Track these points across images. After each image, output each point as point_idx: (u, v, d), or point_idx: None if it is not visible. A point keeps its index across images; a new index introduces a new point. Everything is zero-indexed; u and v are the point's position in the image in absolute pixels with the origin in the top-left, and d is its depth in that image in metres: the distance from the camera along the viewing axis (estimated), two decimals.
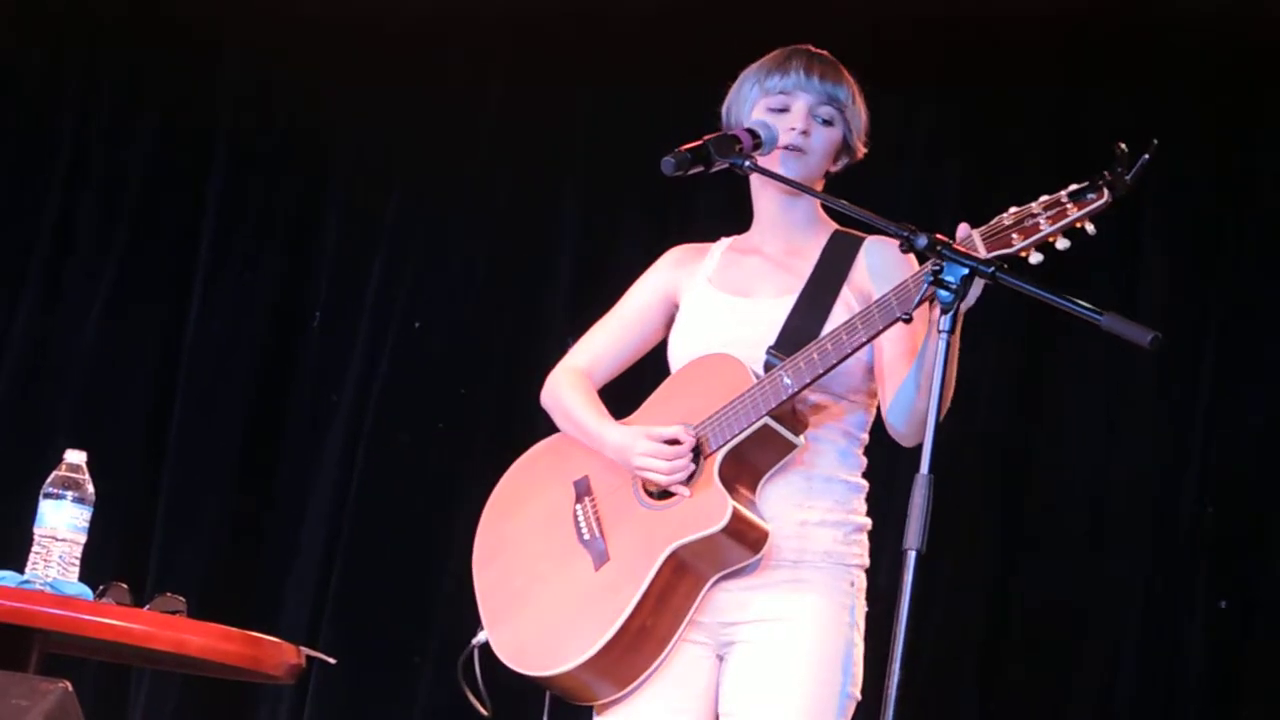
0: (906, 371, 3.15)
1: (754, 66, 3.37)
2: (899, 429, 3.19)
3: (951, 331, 2.89)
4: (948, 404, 3.06)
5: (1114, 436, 5.06)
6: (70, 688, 3.08)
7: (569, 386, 3.41)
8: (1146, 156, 2.82)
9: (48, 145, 5.97)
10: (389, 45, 5.75)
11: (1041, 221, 2.89)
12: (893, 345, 3.19)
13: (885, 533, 4.88)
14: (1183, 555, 4.94)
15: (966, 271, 2.85)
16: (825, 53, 3.36)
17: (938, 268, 2.87)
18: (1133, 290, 5.06)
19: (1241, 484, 4.96)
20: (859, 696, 3.22)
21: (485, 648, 3.31)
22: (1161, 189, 5.00)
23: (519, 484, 3.43)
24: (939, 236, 2.91)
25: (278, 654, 3.43)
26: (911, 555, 2.77)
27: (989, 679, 5.04)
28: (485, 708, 3.34)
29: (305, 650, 3.54)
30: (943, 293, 2.85)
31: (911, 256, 3.12)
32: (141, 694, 5.58)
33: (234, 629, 3.36)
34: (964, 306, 2.91)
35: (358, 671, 5.30)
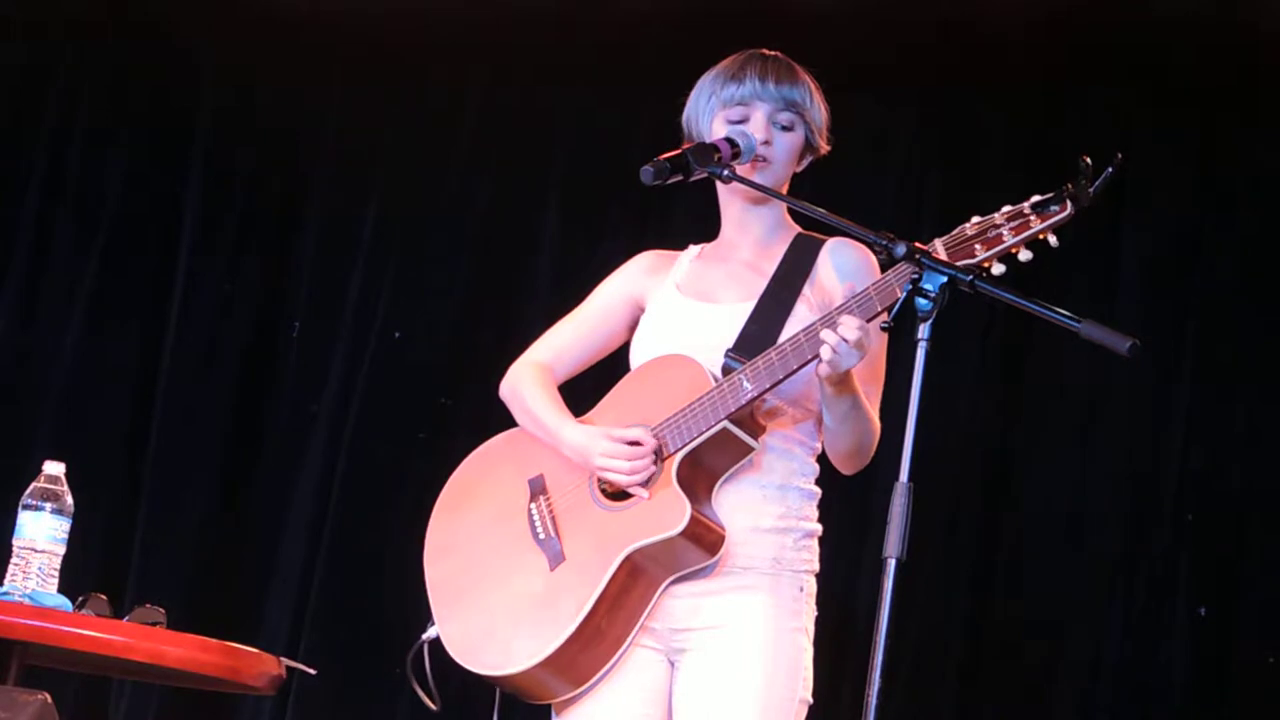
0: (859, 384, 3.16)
1: (709, 76, 3.36)
2: (830, 426, 3.19)
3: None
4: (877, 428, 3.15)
5: (1093, 443, 5.07)
6: (50, 699, 3.08)
7: (530, 381, 3.42)
8: (1110, 170, 2.83)
9: (25, 153, 5.96)
10: (368, 53, 5.75)
11: (1004, 232, 2.90)
12: None
13: (867, 541, 4.94)
14: (1163, 562, 4.95)
15: (945, 280, 2.86)
16: (779, 54, 3.35)
17: (916, 276, 2.87)
18: (1111, 295, 5.07)
19: (1221, 490, 4.97)
20: (810, 700, 3.23)
21: (435, 643, 3.31)
22: (1140, 192, 5.02)
23: (473, 478, 3.43)
24: (917, 245, 2.91)
25: (257, 665, 3.43)
26: (891, 563, 2.77)
27: (968, 687, 5.04)
28: (434, 703, 3.34)
29: (285, 661, 3.54)
30: (921, 301, 2.86)
31: (873, 256, 3.14)
32: (122, 705, 5.57)
33: (213, 640, 3.35)
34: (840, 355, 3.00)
35: (338, 682, 5.29)
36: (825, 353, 3.01)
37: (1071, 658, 4.98)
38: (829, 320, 3.05)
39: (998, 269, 2.91)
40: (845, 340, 2.99)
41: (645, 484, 3.19)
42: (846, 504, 4.84)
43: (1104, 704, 4.92)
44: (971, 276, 2.86)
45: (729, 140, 3.24)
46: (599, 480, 3.25)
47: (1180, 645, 4.89)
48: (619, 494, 3.23)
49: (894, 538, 2.77)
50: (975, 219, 2.94)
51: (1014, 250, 2.90)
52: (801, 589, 3.25)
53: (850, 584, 4.97)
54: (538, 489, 3.32)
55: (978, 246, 2.92)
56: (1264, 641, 4.88)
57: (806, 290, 3.27)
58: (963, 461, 5.10)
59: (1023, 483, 5.13)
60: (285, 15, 5.80)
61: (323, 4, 5.80)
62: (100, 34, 5.96)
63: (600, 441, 3.22)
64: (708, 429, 3.16)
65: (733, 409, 3.14)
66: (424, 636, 3.33)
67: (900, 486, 2.78)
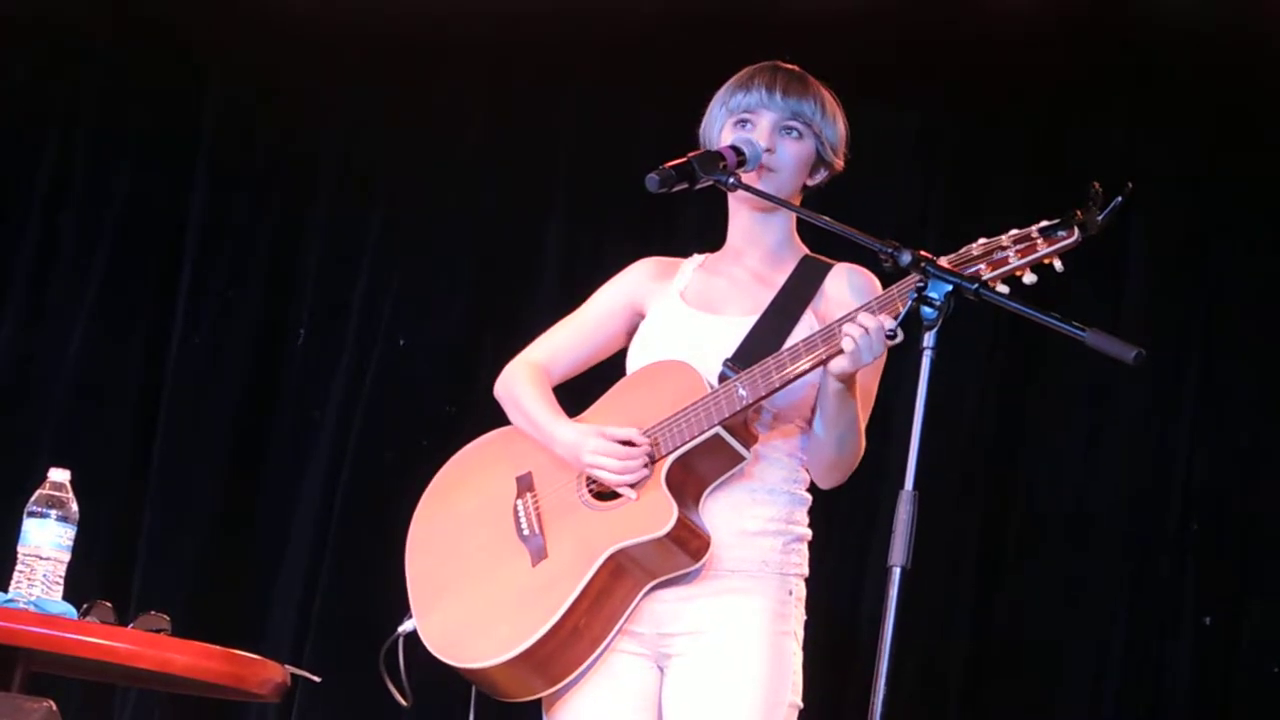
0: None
1: (723, 89, 3.38)
2: (820, 435, 3.20)
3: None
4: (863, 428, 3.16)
5: (1097, 453, 5.06)
6: (54, 706, 3.08)
7: (524, 380, 3.42)
8: (1120, 200, 2.84)
9: (31, 161, 5.96)
10: (373, 62, 5.75)
11: (1010, 255, 2.92)
12: None
13: (872, 550, 4.94)
14: (1167, 572, 4.95)
15: (950, 288, 2.86)
16: (793, 67, 3.36)
17: (922, 284, 2.88)
18: (1117, 305, 5.07)
19: (1226, 500, 4.97)
20: (800, 704, 3.24)
21: (411, 637, 3.30)
22: (1145, 199, 5.01)
23: (461, 475, 3.44)
24: (923, 253, 2.92)
25: (262, 672, 3.43)
26: (896, 572, 2.77)
27: (972, 698, 5.04)
28: (405, 698, 3.34)
29: (290, 668, 3.54)
30: (926, 309, 2.86)
31: (879, 284, 3.16)
32: (126, 712, 5.57)
33: (218, 647, 3.35)
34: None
35: (343, 690, 5.28)
36: (847, 344, 3.01)
37: (1076, 667, 4.97)
38: (843, 320, 3.06)
39: (1001, 289, 2.93)
40: (867, 331, 2.99)
41: (634, 486, 3.19)
42: (851, 512, 4.85)
43: (1108, 713, 4.91)
44: (977, 285, 2.88)
45: (734, 148, 3.24)
46: (588, 480, 3.26)
47: (1185, 655, 4.89)
48: (608, 494, 3.23)
49: (899, 546, 2.78)
50: (981, 240, 2.96)
51: (1018, 273, 2.91)
52: (790, 592, 3.25)
53: (855, 592, 4.97)
54: (525, 486, 3.33)
55: (982, 266, 2.94)
56: (1268, 651, 4.88)
57: (808, 312, 3.28)
58: (967, 470, 5.09)
59: (1027, 491, 5.12)
60: (290, 18, 5.80)
61: (327, 7, 5.80)
62: (103, 37, 5.96)
63: (592, 439, 3.23)
64: (700, 434, 3.16)
65: (727, 415, 3.15)
66: (400, 629, 3.33)
67: (905, 495, 2.78)
